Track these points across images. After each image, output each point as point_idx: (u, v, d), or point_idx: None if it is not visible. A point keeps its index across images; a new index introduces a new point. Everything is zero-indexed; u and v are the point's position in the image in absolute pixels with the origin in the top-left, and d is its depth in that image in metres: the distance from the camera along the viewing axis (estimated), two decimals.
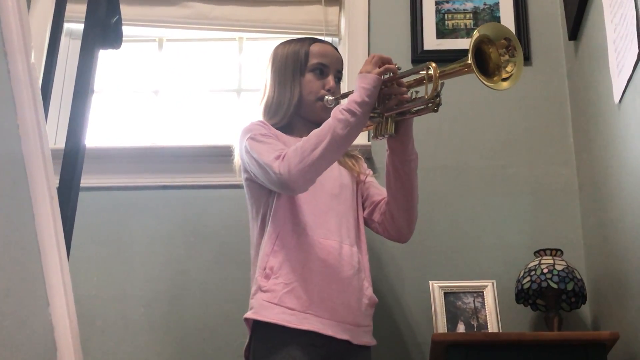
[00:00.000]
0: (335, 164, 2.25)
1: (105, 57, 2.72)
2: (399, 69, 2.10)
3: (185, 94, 3.25)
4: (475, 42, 1.95)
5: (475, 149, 2.90)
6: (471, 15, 3.06)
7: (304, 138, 2.08)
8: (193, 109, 3.22)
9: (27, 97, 1.51)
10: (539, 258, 2.52)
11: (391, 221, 2.27)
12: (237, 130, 2.28)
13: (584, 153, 2.75)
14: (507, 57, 2.00)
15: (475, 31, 1.97)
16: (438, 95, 2.01)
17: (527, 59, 2.97)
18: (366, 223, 2.34)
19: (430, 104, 2.03)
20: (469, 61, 1.93)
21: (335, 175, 2.28)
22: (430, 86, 2.01)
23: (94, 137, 3.07)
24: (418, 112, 2.09)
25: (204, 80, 3.27)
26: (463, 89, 2.83)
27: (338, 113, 2.06)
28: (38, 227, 1.56)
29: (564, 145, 2.88)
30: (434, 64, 2.00)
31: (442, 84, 2.01)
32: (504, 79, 1.99)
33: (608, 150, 2.42)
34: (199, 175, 2.90)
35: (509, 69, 1.99)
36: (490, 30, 1.99)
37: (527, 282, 2.47)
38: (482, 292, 2.55)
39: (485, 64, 1.99)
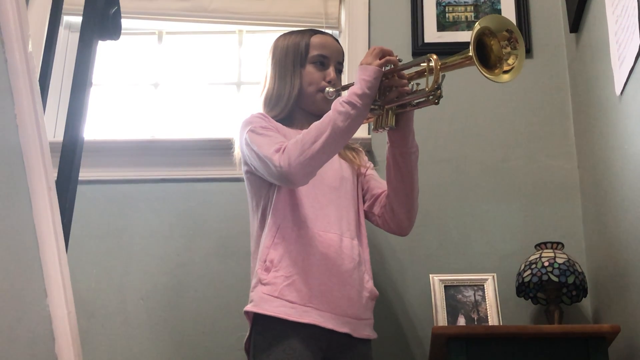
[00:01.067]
0: (336, 156, 2.25)
1: (104, 49, 2.72)
2: (400, 61, 2.10)
3: (184, 87, 3.24)
4: (476, 34, 1.94)
5: (476, 142, 2.90)
6: (472, 7, 3.05)
7: (304, 131, 2.07)
8: (193, 102, 3.21)
9: (24, 87, 1.50)
10: (540, 251, 2.52)
11: (391, 214, 2.26)
12: (238, 122, 2.28)
13: (585, 146, 2.74)
14: (508, 49, 1.99)
15: (477, 23, 1.96)
16: (439, 87, 2.00)
17: (528, 52, 2.96)
18: (366, 216, 2.34)
19: (431, 97, 2.02)
20: (470, 53, 1.92)
21: (336, 167, 2.27)
22: (431, 78, 2.00)
23: (94, 130, 3.07)
24: (419, 105, 2.09)
25: (204, 73, 3.26)
26: (463, 82, 2.82)
27: (338, 105, 2.05)
28: (36, 218, 1.56)
29: (565, 138, 2.88)
30: (434, 56, 2.00)
31: (443, 76, 2.00)
32: (505, 72, 1.98)
33: (609, 142, 2.41)
34: (198, 168, 2.90)
35: (510, 61, 1.98)
36: (492, 23, 1.98)
37: (528, 275, 2.46)
38: (483, 285, 2.54)
39: (486, 56, 1.98)
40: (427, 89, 2.01)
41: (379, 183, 2.35)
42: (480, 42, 1.97)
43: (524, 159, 2.86)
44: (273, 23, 3.19)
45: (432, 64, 1.99)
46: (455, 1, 3.07)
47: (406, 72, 2.10)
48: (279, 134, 2.18)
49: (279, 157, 2.03)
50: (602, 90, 2.46)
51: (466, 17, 3.04)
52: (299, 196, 2.17)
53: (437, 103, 2.02)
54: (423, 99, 2.06)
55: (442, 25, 3.03)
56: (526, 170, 2.85)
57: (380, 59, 2.08)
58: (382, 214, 2.29)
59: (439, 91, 2.00)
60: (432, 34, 3.02)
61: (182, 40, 3.33)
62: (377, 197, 2.31)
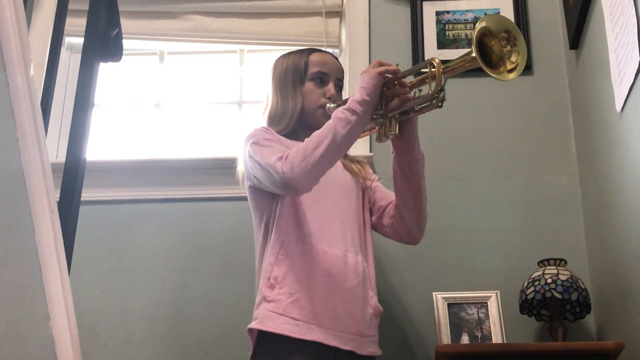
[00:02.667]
0: (341, 169, 2.26)
1: (106, 70, 2.73)
2: (399, 70, 2.10)
3: (186, 106, 3.25)
4: (477, 34, 1.92)
5: (477, 159, 2.90)
6: (472, 25, 3.06)
7: (307, 139, 2.08)
8: (194, 122, 3.22)
9: (26, 110, 1.50)
10: (543, 268, 2.51)
11: (401, 223, 2.26)
12: (241, 137, 2.28)
13: (586, 162, 2.74)
14: (509, 47, 1.98)
15: (478, 23, 1.94)
16: (442, 89, 1.99)
17: (529, 68, 2.96)
18: (376, 228, 2.34)
19: (434, 100, 2.01)
20: (474, 54, 1.91)
21: (340, 180, 2.27)
22: (434, 84, 1.99)
23: (97, 151, 3.07)
24: (422, 110, 2.07)
25: (205, 92, 3.27)
26: (464, 99, 2.83)
27: (339, 112, 2.06)
28: (38, 240, 1.56)
29: (566, 155, 2.88)
30: (437, 60, 1.99)
31: (446, 78, 1.99)
32: (510, 71, 1.97)
33: (610, 159, 2.41)
34: (200, 187, 2.90)
35: (513, 59, 1.97)
36: (492, 23, 1.96)
37: (531, 292, 2.45)
38: (486, 302, 2.53)
39: (487, 56, 1.96)
40: (430, 93, 2.00)
41: (385, 194, 2.35)
42: (481, 44, 1.95)
43: (526, 175, 2.86)
44: (274, 42, 3.21)
45: (435, 68, 1.99)
46: (455, 19, 3.08)
47: (408, 80, 2.10)
48: (282, 145, 2.19)
49: (282, 164, 2.04)
50: (603, 106, 2.46)
51: (466, 35, 3.04)
52: (303, 210, 2.17)
53: (441, 106, 2.01)
54: (426, 104, 2.03)
55: (442, 43, 3.04)
56: (528, 186, 2.85)
57: (379, 67, 2.09)
58: (392, 224, 2.29)
59: (442, 94, 1.99)
60: (432, 52, 3.02)
61: (183, 60, 3.35)
62: (384, 208, 2.31)
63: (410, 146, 2.16)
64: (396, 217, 2.27)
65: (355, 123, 2.04)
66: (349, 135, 2.04)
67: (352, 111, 2.04)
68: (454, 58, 2.85)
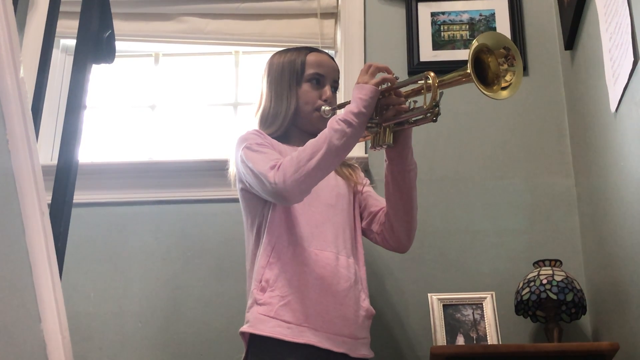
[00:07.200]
0: (332, 173, 2.24)
1: (101, 72, 2.73)
2: (397, 79, 2.09)
3: (181, 108, 3.24)
4: (474, 51, 1.93)
5: (473, 160, 2.89)
6: (467, 26, 3.06)
7: (300, 148, 2.07)
8: (190, 124, 3.21)
9: (16, 111, 1.50)
10: (538, 269, 2.51)
11: (390, 231, 2.25)
12: (233, 139, 2.27)
13: (581, 163, 2.74)
14: (506, 66, 1.98)
15: (475, 40, 1.94)
16: (437, 105, 1.99)
17: (524, 69, 2.95)
18: (365, 234, 2.33)
19: (429, 114, 2.01)
20: (469, 70, 1.91)
21: (332, 184, 2.26)
22: (429, 96, 1.99)
23: (91, 153, 3.07)
24: (417, 122, 2.08)
25: (201, 94, 3.26)
26: (460, 100, 2.83)
27: (334, 123, 2.04)
28: (29, 242, 1.55)
29: (562, 155, 2.87)
30: (432, 74, 1.99)
31: (441, 93, 1.99)
32: (503, 88, 1.97)
33: (605, 159, 2.41)
34: (195, 189, 2.90)
35: (507, 77, 1.97)
36: (489, 40, 1.97)
37: (527, 293, 2.45)
38: (481, 303, 2.53)
39: (484, 73, 1.96)
40: (424, 107, 2.00)
41: (376, 200, 2.34)
42: (478, 59, 1.95)
43: (521, 176, 2.86)
44: (269, 44, 3.19)
45: (430, 81, 1.98)
46: (450, 20, 3.07)
47: (403, 89, 2.10)
48: (275, 150, 2.17)
49: (274, 174, 2.03)
50: (598, 107, 2.46)
51: (461, 36, 3.04)
52: (295, 214, 2.16)
53: (435, 120, 2.02)
54: (421, 117, 2.04)
55: (437, 44, 3.04)
56: (524, 187, 2.84)
57: (376, 77, 2.08)
58: (381, 232, 2.28)
59: (436, 109, 1.99)
60: (427, 53, 3.02)
61: (178, 61, 3.34)
62: (375, 215, 2.30)
63: (403, 156, 2.16)
64: (386, 225, 2.26)
65: (351, 135, 2.03)
66: (344, 147, 2.03)
67: (348, 123, 2.02)
68: (449, 59, 2.98)
